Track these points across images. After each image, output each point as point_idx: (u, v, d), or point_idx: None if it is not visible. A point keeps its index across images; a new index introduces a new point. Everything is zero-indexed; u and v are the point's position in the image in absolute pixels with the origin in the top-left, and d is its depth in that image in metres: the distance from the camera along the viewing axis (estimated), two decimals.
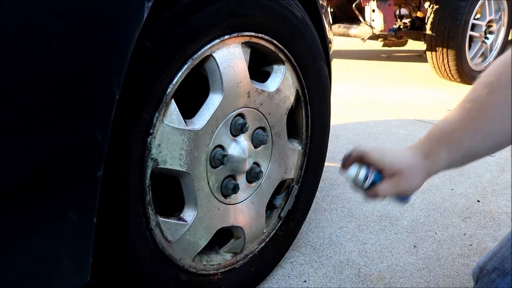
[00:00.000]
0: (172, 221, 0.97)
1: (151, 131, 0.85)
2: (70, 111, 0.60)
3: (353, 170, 0.89)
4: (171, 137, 0.89)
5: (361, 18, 3.57)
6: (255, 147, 1.11)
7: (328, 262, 1.40)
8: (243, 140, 1.06)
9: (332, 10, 3.95)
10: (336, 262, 1.40)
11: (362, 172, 0.88)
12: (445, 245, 1.49)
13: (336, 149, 2.27)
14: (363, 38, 3.68)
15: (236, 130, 1.04)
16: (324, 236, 1.54)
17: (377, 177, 0.88)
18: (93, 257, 0.72)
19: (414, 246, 1.48)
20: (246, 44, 1.03)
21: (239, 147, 1.05)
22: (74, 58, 0.60)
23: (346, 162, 0.91)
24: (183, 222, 0.98)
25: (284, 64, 1.14)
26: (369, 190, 0.89)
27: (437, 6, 3.31)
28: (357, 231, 1.57)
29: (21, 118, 0.58)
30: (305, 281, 1.31)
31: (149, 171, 0.88)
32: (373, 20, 3.52)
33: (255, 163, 1.12)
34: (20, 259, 0.64)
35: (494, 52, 3.63)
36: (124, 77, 0.68)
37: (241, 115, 1.05)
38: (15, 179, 0.59)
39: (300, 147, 1.29)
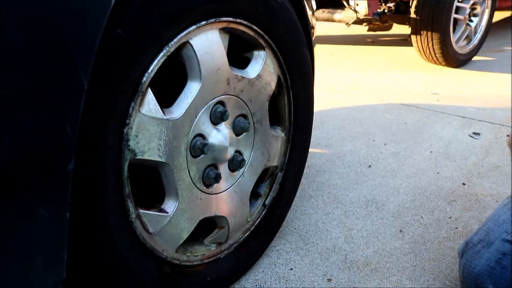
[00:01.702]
0: (153, 212, 0.95)
1: (128, 121, 0.83)
2: (35, 102, 0.58)
3: None
4: (148, 127, 0.87)
5: (345, 3, 3.54)
6: (237, 135, 1.09)
7: (315, 249, 1.39)
8: (224, 128, 1.04)
9: None
10: (323, 248, 1.39)
11: None
12: (431, 229, 1.49)
13: (322, 135, 2.26)
14: (347, 23, 3.65)
15: (217, 118, 1.02)
16: (310, 223, 1.53)
17: None
18: (70, 253, 0.70)
19: (400, 231, 1.48)
20: (224, 30, 1.01)
21: (220, 136, 1.03)
22: (37, 46, 0.57)
23: None
24: (164, 214, 0.97)
25: (264, 50, 1.12)
26: None
27: None
28: (343, 217, 1.56)
29: None
30: (291, 269, 1.31)
31: (126, 163, 0.86)
32: (357, 5, 3.50)
33: (237, 151, 1.11)
34: None
35: (479, 35, 3.63)
36: (95, 66, 0.66)
37: (221, 102, 1.03)
38: None
39: (283, 134, 1.27)
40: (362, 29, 4.00)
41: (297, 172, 1.39)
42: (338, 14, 3.68)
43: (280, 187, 1.31)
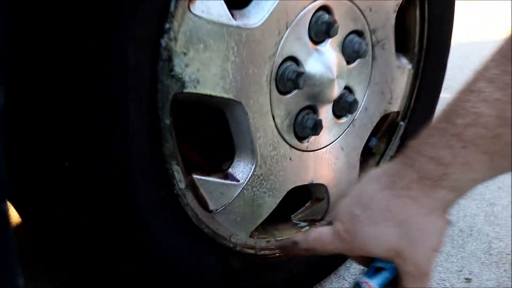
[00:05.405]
0: (215, 180, 0.69)
1: (167, 25, 0.54)
2: None
3: None
4: (205, 39, 0.58)
5: None
6: (348, 62, 0.82)
7: None
8: (330, 50, 0.77)
9: None
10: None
11: None
12: None
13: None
14: None
15: (319, 33, 0.74)
16: None
17: (381, 278, 0.62)
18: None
19: None
20: None
21: (323, 61, 0.76)
22: None
23: None
24: (233, 182, 0.71)
25: None
26: None
27: None
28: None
29: None
30: None
31: (168, 100, 0.58)
32: None
33: (346, 87, 0.83)
34: None
35: None
36: None
37: (325, 8, 0.75)
38: None
39: (410, 66, 0.99)
40: None
41: (425, 123, 1.06)
42: None
43: (402, 143, 1.02)
